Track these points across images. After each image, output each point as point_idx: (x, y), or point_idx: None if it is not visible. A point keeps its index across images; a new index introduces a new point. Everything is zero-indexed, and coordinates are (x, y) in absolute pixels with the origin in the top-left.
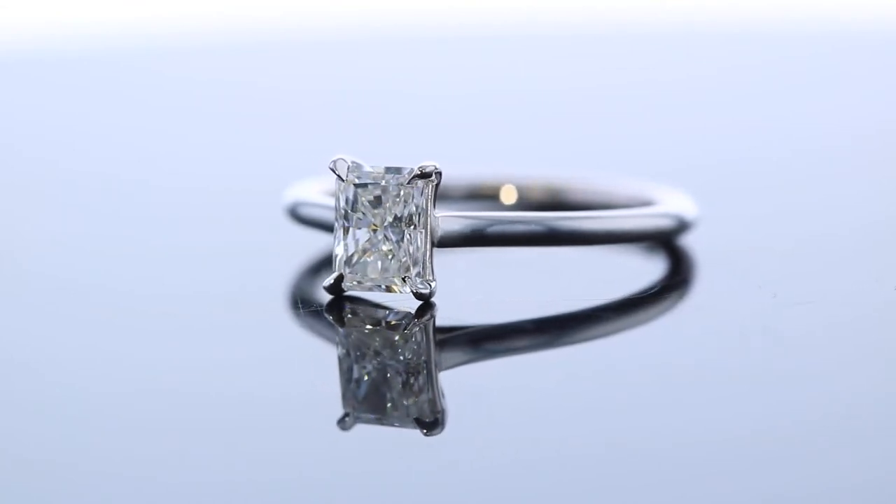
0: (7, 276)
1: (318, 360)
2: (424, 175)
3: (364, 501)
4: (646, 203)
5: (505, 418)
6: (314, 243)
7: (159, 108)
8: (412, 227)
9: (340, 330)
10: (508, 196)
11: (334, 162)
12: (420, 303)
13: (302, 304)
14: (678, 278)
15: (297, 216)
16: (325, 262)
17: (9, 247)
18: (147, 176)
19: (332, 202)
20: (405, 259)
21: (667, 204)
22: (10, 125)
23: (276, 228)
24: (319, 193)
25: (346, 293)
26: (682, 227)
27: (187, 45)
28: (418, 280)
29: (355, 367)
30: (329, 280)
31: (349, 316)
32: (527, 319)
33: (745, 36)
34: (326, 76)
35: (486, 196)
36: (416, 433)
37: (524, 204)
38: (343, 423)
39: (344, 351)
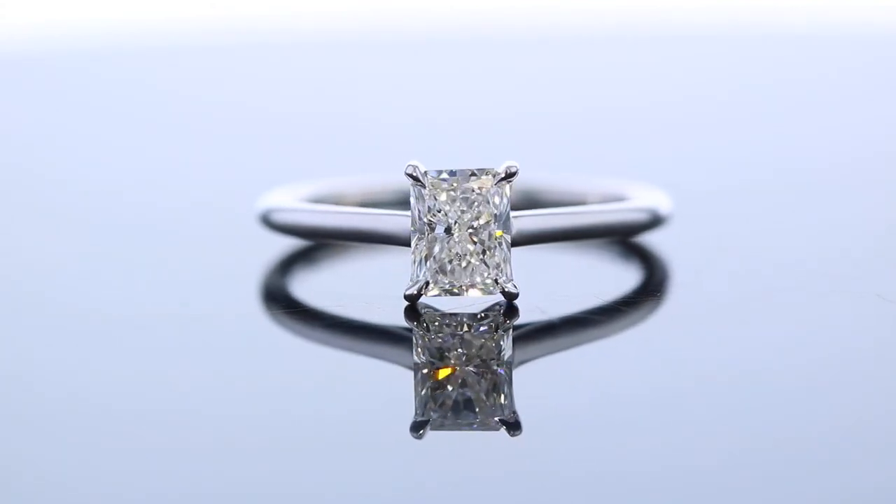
0: None
1: (393, 370)
2: (510, 176)
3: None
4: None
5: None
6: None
7: (133, 114)
8: (499, 228)
9: (422, 335)
10: None
11: (413, 167)
12: (502, 303)
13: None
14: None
15: (270, 223)
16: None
17: None
18: (120, 184)
19: (305, 207)
20: (496, 261)
21: (642, 198)
22: None
23: (253, 234)
24: (293, 200)
25: (422, 298)
26: (657, 220)
27: (161, 49)
28: (508, 281)
29: (442, 373)
30: (412, 288)
31: (430, 321)
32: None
33: (745, 36)
34: (304, 80)
35: None
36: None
37: None
38: (419, 433)
39: (428, 357)
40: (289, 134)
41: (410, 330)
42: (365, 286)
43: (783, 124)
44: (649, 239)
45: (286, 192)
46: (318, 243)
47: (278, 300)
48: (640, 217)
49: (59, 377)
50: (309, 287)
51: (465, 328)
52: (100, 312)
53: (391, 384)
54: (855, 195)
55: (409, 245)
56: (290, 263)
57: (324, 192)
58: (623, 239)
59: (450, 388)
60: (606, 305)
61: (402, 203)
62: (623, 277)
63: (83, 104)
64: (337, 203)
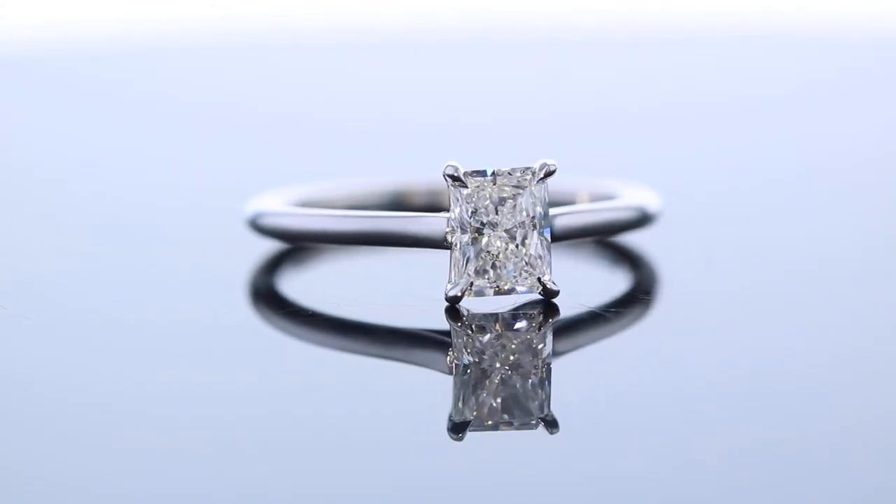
0: None
1: (430, 374)
2: (549, 174)
3: None
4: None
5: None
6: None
7: (132, 114)
8: (538, 226)
9: (464, 336)
10: None
11: (454, 168)
12: (541, 301)
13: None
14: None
15: (258, 227)
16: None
17: None
18: (119, 185)
19: (292, 211)
20: (541, 259)
21: (631, 196)
22: None
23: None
24: (280, 204)
25: (464, 299)
26: (646, 219)
27: (161, 49)
28: (548, 279)
29: (486, 374)
30: (455, 289)
31: (475, 322)
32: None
33: (743, 37)
34: (303, 81)
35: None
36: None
37: None
38: (458, 435)
39: (473, 359)
40: (289, 134)
41: (448, 333)
42: (396, 288)
43: (782, 125)
44: (639, 238)
45: (280, 195)
46: (328, 247)
47: (293, 304)
48: (628, 215)
49: (59, 377)
50: (321, 290)
51: (505, 327)
52: (100, 312)
53: (428, 387)
54: (854, 196)
55: (436, 247)
56: (278, 262)
57: (324, 193)
58: (608, 238)
59: (488, 388)
60: (644, 299)
61: (396, 205)
62: (612, 279)
63: (83, 104)
64: (360, 207)
